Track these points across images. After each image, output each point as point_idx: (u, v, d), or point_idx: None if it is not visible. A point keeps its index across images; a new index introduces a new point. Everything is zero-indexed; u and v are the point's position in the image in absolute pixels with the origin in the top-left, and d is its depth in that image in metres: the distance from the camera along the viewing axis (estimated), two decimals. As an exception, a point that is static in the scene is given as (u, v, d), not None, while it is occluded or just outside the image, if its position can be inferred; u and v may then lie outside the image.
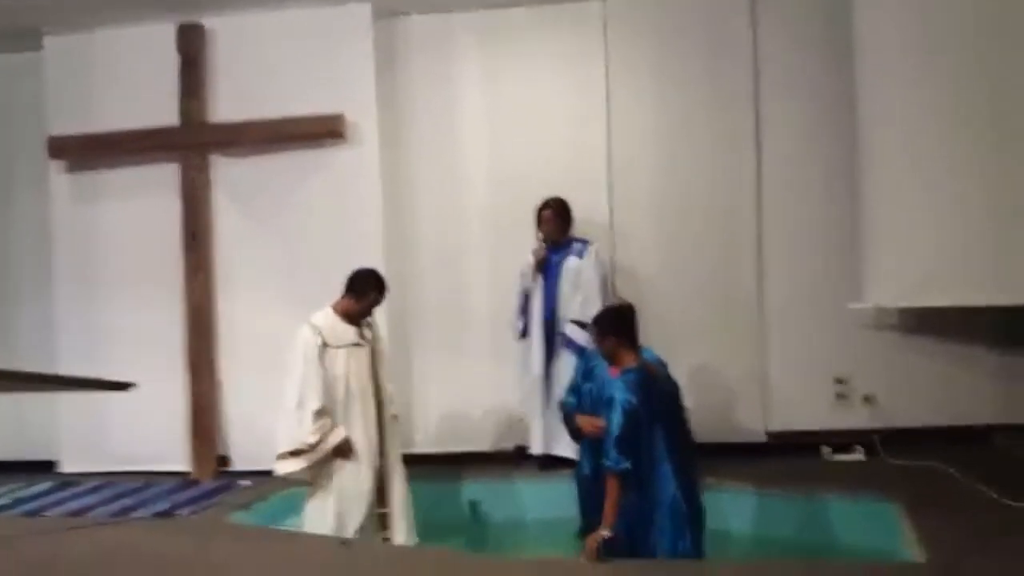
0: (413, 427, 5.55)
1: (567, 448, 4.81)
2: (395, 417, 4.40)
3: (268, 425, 5.37)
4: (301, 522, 4.24)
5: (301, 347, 4.15)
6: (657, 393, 3.63)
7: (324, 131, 5.43)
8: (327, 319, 4.24)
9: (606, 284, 5.13)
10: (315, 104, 5.41)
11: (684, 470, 3.60)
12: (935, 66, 4.64)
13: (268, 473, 5.27)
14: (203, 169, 5.64)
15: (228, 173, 5.68)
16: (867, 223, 5.05)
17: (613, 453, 3.47)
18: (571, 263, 5.13)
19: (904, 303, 5.06)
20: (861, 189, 5.07)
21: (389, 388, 4.39)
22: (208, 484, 5.31)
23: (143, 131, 5.59)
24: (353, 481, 4.13)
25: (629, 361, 3.67)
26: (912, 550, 3.61)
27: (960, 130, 4.55)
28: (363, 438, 4.16)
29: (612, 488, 3.48)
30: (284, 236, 5.59)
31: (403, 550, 3.97)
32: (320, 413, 4.07)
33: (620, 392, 3.53)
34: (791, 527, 4.44)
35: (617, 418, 3.49)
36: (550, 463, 5.05)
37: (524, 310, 5.21)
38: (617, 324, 3.79)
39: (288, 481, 4.28)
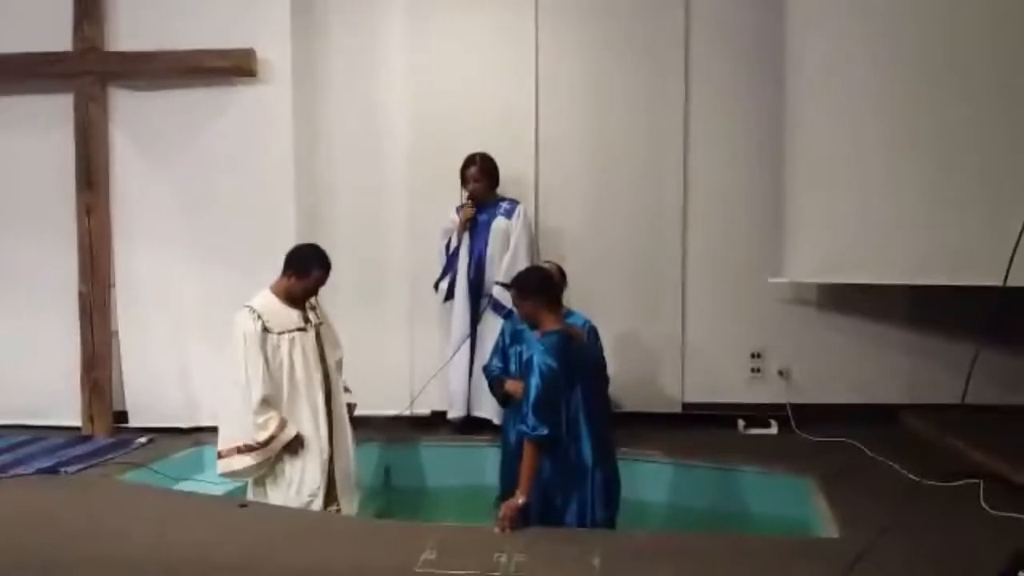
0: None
1: (489, 411, 4.70)
2: (351, 407, 4.09)
3: (170, 380, 5.17)
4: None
5: (240, 334, 3.76)
6: (578, 358, 3.48)
7: (232, 66, 5.04)
8: (266, 301, 3.85)
9: (533, 246, 4.94)
10: (224, 37, 5.01)
11: (601, 438, 3.48)
12: (869, 42, 4.58)
13: (170, 431, 5.04)
14: (99, 102, 5.16)
15: (127, 108, 5.22)
16: (791, 197, 4.99)
17: (531, 419, 3.31)
18: (499, 223, 4.90)
19: (821, 279, 5.06)
20: (786, 162, 5.00)
21: (342, 378, 4.08)
22: (101, 440, 4.95)
23: (31, 55, 5.07)
24: (301, 477, 3.82)
25: (550, 324, 3.51)
26: (826, 525, 3.60)
27: (889, 109, 4.52)
28: (311, 429, 3.84)
29: (529, 455, 3.34)
30: (187, 178, 5.20)
31: (305, 515, 3.75)
32: (265, 403, 3.72)
33: (539, 355, 3.38)
34: (706, 499, 4.42)
35: (535, 382, 3.34)
36: (469, 426, 4.90)
37: (448, 271, 4.98)
38: (537, 285, 3.61)
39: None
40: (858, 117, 4.60)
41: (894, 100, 4.48)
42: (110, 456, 4.60)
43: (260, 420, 3.71)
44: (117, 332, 5.24)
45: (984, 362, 4.96)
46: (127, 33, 5.16)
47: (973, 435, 4.37)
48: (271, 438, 3.73)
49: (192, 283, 5.25)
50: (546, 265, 4.33)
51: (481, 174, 4.88)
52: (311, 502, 3.81)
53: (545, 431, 3.30)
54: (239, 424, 3.76)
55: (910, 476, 4.00)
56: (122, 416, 5.23)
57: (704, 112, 5.27)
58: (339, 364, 4.11)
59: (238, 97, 5.15)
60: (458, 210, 4.95)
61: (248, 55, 5.03)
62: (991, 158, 4.19)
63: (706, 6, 5.24)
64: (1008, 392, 5.01)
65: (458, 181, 4.99)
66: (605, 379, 3.92)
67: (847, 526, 3.45)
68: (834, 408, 5.16)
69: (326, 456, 3.86)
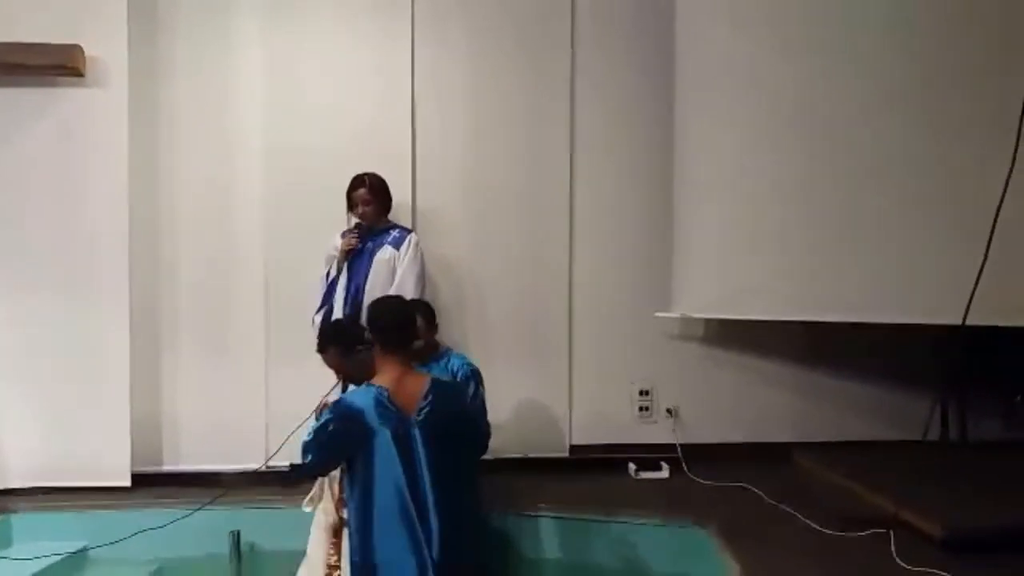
0: (163, 440, 4.66)
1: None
2: None
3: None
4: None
5: None
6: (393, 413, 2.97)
7: (54, 65, 4.31)
8: None
9: (423, 283, 4.37)
10: (46, 30, 4.29)
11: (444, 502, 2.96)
12: (764, 68, 4.40)
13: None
14: None
15: (-80, 110, 4.37)
16: (680, 227, 4.81)
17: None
18: (384, 254, 4.33)
19: (710, 314, 4.86)
20: (676, 192, 4.82)
21: None
22: None
23: None
24: None
25: (382, 375, 3.04)
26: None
27: (785, 143, 4.36)
28: None
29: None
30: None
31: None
32: None
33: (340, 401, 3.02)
34: (602, 555, 4.04)
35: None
36: (332, 483, 4.33)
37: (324, 304, 4.37)
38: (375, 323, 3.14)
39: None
40: (753, 149, 4.43)
41: (792, 132, 4.31)
42: None
43: None
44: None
45: (865, 398, 5.09)
46: (-78, 20, 4.33)
47: (868, 476, 4.25)
48: None
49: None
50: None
51: (372, 196, 4.32)
52: None
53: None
54: None
55: (813, 525, 3.79)
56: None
57: (591, 136, 4.98)
58: None
59: (60, 101, 4.44)
60: (344, 236, 4.37)
61: (73, 52, 4.32)
62: (892, 197, 4.08)
63: (592, 23, 4.97)
64: (889, 427, 4.98)
65: (322, 202, 4.47)
66: (472, 435, 3.38)
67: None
68: (722, 448, 4.97)
69: None
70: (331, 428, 2.91)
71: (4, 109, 4.41)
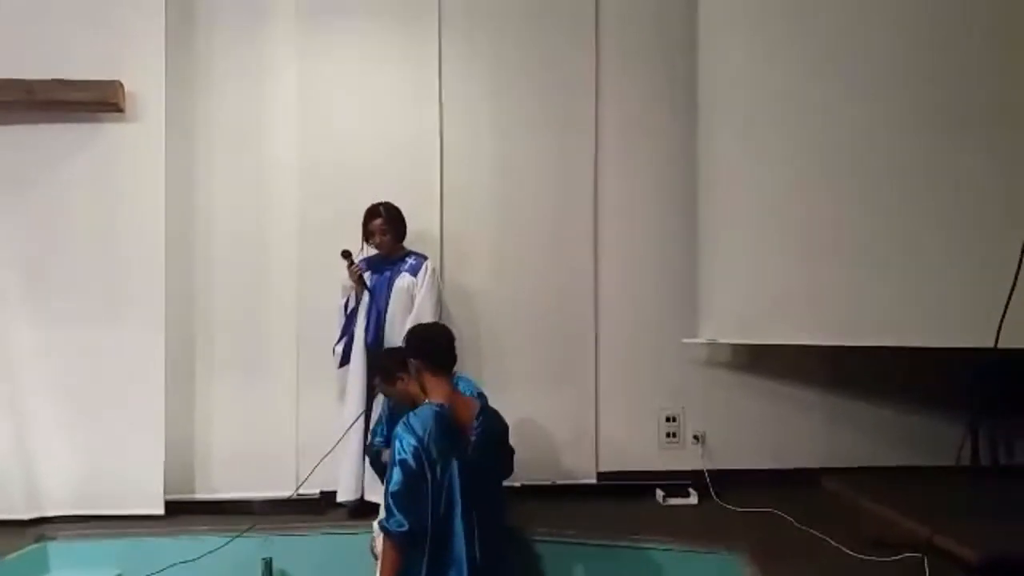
0: (195, 468, 4.71)
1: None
2: None
3: (6, 459, 4.37)
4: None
5: None
6: (456, 434, 3.07)
7: (94, 100, 4.41)
8: None
9: (439, 308, 4.46)
10: (86, 66, 4.40)
11: (485, 528, 3.07)
12: (782, 96, 4.43)
13: (5, 524, 4.23)
14: (-73, 137, 4.43)
15: (-38, 145, 4.48)
16: (705, 252, 4.84)
17: (391, 511, 2.92)
18: (403, 281, 4.42)
19: (737, 339, 4.86)
20: (701, 217, 4.86)
21: None
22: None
23: None
24: None
25: (437, 395, 3.11)
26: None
27: (810, 163, 4.35)
28: None
29: (387, 552, 2.95)
30: (33, 227, 4.51)
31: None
32: None
33: (399, 434, 2.98)
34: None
35: (395, 468, 2.95)
36: (363, 510, 4.35)
37: (345, 333, 4.47)
38: (423, 347, 3.25)
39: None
40: (778, 170, 4.44)
41: (818, 152, 4.32)
42: None
43: None
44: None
45: (894, 423, 5.07)
46: (-35, 57, 4.46)
47: (900, 501, 4.20)
48: None
49: (35, 348, 4.52)
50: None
51: (388, 226, 4.41)
52: None
53: (406, 527, 2.87)
54: None
55: (845, 550, 3.77)
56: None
57: (617, 161, 5.03)
58: None
59: (100, 136, 4.52)
60: (349, 269, 4.45)
61: (113, 88, 4.43)
62: (921, 219, 4.08)
63: (617, 47, 5.04)
64: (918, 453, 4.94)
65: (355, 229, 4.53)
66: (507, 456, 3.51)
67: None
68: (750, 474, 4.95)
69: None
70: (411, 477, 2.93)
71: (45, 145, 4.51)
